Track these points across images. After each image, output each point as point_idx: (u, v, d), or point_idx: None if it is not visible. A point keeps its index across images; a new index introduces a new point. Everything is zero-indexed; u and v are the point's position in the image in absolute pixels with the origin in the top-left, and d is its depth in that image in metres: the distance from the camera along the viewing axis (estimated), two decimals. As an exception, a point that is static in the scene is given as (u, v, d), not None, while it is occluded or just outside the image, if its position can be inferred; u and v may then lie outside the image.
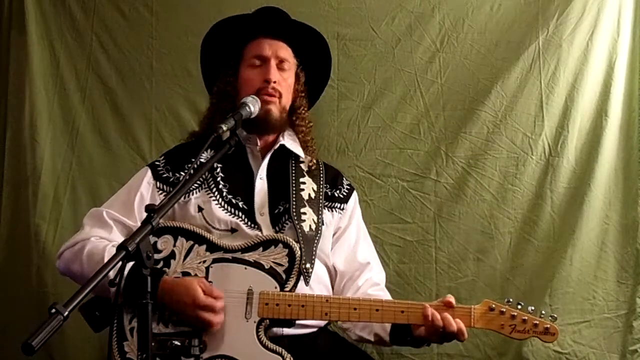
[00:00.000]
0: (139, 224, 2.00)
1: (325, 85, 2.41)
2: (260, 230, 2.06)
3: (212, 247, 1.99)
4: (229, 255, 1.97)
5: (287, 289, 1.94)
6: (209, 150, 2.03)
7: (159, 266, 1.95)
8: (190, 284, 1.88)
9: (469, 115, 2.76)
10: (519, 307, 1.95)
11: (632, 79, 2.69)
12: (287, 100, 2.20)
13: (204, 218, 2.05)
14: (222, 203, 2.08)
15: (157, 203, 2.00)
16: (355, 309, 1.94)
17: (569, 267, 2.62)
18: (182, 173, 2.10)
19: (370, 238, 2.34)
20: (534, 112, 2.74)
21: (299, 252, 1.96)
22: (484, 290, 2.65)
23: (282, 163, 2.21)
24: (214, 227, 2.04)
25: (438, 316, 1.89)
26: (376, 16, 2.84)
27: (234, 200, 2.10)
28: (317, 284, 2.08)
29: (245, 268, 1.95)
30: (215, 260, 1.97)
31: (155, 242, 1.98)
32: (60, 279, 2.60)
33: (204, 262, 1.97)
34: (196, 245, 1.99)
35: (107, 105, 2.88)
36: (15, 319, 2.73)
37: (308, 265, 2.00)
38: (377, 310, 1.94)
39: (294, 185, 2.15)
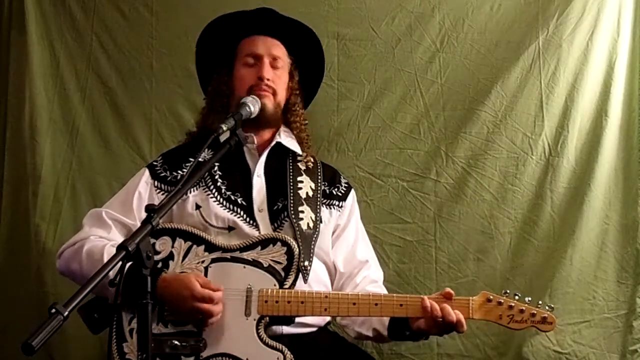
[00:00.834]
0: (137, 222, 2.03)
1: (320, 83, 2.41)
2: (258, 227, 2.07)
3: (211, 247, 2.00)
4: (227, 255, 1.98)
5: (286, 287, 1.95)
6: (207, 150, 2.03)
7: (157, 267, 1.95)
8: (187, 278, 1.89)
9: (469, 115, 2.77)
10: (517, 297, 1.96)
11: (632, 79, 2.69)
12: (281, 97, 2.21)
13: (202, 215, 2.06)
14: (221, 200, 2.09)
15: (155, 202, 2.02)
16: (354, 303, 1.95)
17: (569, 267, 2.62)
18: (179, 172, 2.12)
19: (367, 236, 2.35)
20: (534, 112, 2.74)
21: (297, 250, 1.97)
22: (484, 290, 2.64)
23: (280, 161, 2.22)
24: (211, 225, 2.05)
25: (437, 307, 1.90)
26: (376, 16, 2.84)
27: (232, 197, 2.10)
28: (316, 282, 2.08)
29: (244, 267, 1.96)
30: (213, 260, 1.97)
31: (154, 244, 1.98)
32: (60, 279, 2.60)
33: (203, 262, 1.97)
34: (194, 246, 2.00)
35: (107, 105, 2.88)
36: (15, 319, 2.73)
37: (306, 263, 2.01)
38: (375, 304, 1.94)
39: (291, 183, 2.16)
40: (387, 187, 2.78)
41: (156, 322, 1.90)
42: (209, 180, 2.12)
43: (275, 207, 2.13)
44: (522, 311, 1.95)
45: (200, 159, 1.91)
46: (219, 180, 2.13)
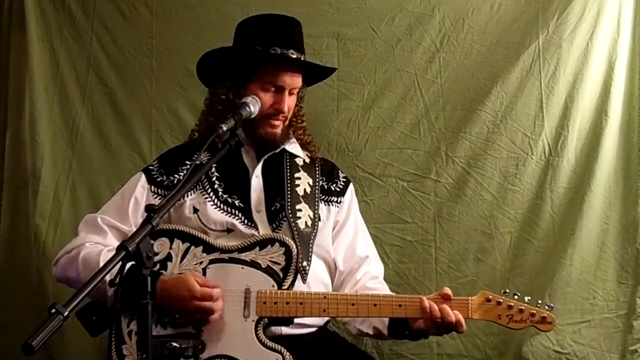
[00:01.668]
0: (133, 228, 2.01)
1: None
2: (257, 228, 2.07)
3: (209, 248, 2.00)
4: (225, 256, 1.98)
5: (285, 288, 1.95)
6: (204, 153, 2.00)
7: (155, 269, 1.95)
8: (185, 278, 1.90)
9: (469, 115, 2.76)
10: (516, 297, 1.96)
11: (632, 79, 2.69)
12: (289, 118, 2.23)
13: (200, 219, 2.06)
14: (218, 203, 2.09)
15: (155, 204, 2.02)
16: (353, 304, 1.95)
17: (569, 267, 2.62)
18: (176, 176, 2.11)
19: (367, 231, 2.34)
20: (534, 112, 2.74)
21: (296, 251, 1.97)
22: (484, 290, 2.64)
23: (277, 160, 2.21)
24: (209, 229, 2.05)
25: (436, 307, 1.90)
26: (376, 16, 2.84)
27: (229, 199, 2.10)
28: (315, 282, 2.09)
29: (242, 268, 1.96)
30: (212, 261, 1.97)
31: (152, 245, 1.97)
32: (60, 279, 2.61)
33: (201, 263, 1.97)
34: (192, 247, 2.00)
35: (107, 105, 2.88)
36: (15, 319, 2.73)
37: (305, 263, 2.01)
38: (374, 305, 1.94)
39: (288, 181, 2.16)
40: (387, 187, 2.78)
41: (155, 324, 1.90)
42: (206, 183, 2.12)
43: (273, 207, 2.13)
44: (521, 311, 1.95)
45: (197, 162, 1.89)
46: (216, 182, 2.13)
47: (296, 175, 2.20)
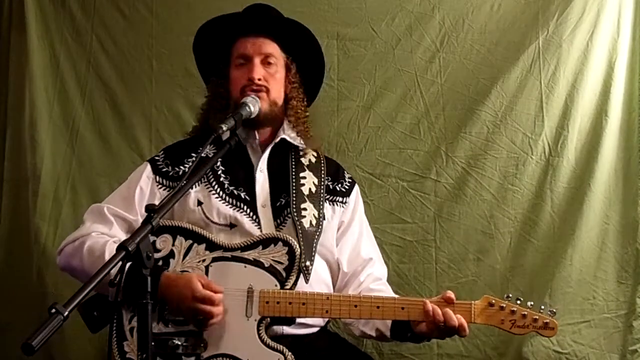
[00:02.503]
0: (139, 217, 2.03)
1: (322, 75, 2.38)
2: (260, 223, 2.07)
3: (212, 245, 1.99)
4: (228, 254, 1.98)
5: (288, 287, 1.94)
6: (209, 146, 2.01)
7: (158, 265, 1.95)
8: (189, 278, 1.89)
9: (469, 115, 2.76)
10: (519, 302, 1.96)
11: (632, 79, 2.69)
12: (277, 94, 2.19)
13: (203, 212, 2.06)
14: (224, 196, 2.09)
15: (156, 197, 2.04)
16: (355, 306, 1.94)
17: (569, 267, 2.62)
18: (181, 168, 2.12)
19: (371, 232, 2.34)
20: (534, 112, 2.74)
21: (299, 250, 1.97)
22: (484, 290, 2.63)
23: (283, 157, 2.21)
24: (212, 221, 2.05)
25: (439, 311, 1.90)
26: (376, 16, 2.84)
27: (235, 192, 2.10)
28: (318, 282, 2.08)
29: (245, 266, 1.96)
30: (214, 259, 1.97)
31: (154, 242, 1.97)
32: (60, 280, 2.61)
33: (204, 261, 1.97)
34: (195, 244, 1.99)
35: (107, 105, 2.88)
36: (15, 319, 2.73)
37: (308, 263, 2.00)
38: (377, 307, 1.94)
39: (294, 180, 2.16)
40: (387, 187, 2.78)
41: (157, 322, 1.90)
42: (211, 176, 2.11)
43: (278, 203, 2.12)
44: (524, 316, 1.94)
45: (202, 155, 1.91)
46: (222, 175, 2.13)
47: (301, 174, 2.19)
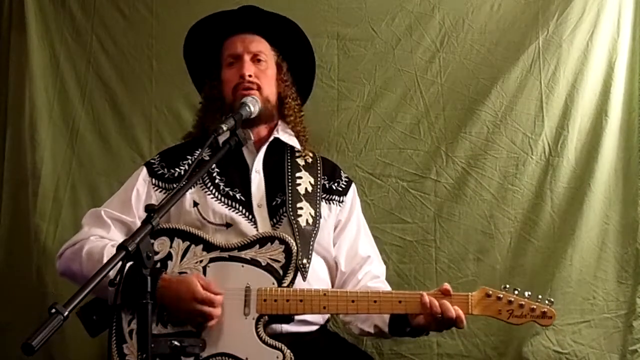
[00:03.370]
0: (137, 220, 2.03)
1: (314, 72, 2.39)
2: (256, 223, 2.07)
3: (209, 246, 1.99)
4: (225, 254, 1.98)
5: (285, 285, 1.94)
6: (207, 149, 2.02)
7: (157, 267, 1.95)
8: (189, 279, 1.90)
9: (469, 115, 2.77)
10: (516, 292, 1.96)
11: (632, 79, 2.69)
12: (270, 92, 2.20)
13: (199, 212, 2.06)
14: (219, 196, 2.09)
15: (153, 199, 2.05)
16: (353, 301, 1.95)
17: (569, 267, 2.62)
18: (177, 170, 2.13)
19: (369, 231, 2.35)
20: (534, 112, 2.74)
21: (296, 248, 1.97)
22: (484, 289, 2.65)
23: (278, 157, 2.22)
24: (208, 221, 2.05)
25: (436, 303, 1.90)
26: (376, 16, 2.84)
27: (231, 193, 2.11)
28: (315, 280, 2.08)
29: (242, 266, 1.96)
30: (212, 260, 1.97)
31: (152, 244, 1.97)
32: (60, 280, 2.59)
33: (201, 261, 1.97)
34: (193, 246, 2.00)
35: (107, 105, 2.89)
36: (15, 319, 2.73)
37: (305, 261, 2.01)
38: (374, 301, 1.94)
39: (289, 180, 2.16)
40: (387, 187, 2.78)
41: (156, 323, 1.90)
42: (207, 178, 2.12)
43: (274, 202, 2.13)
44: (521, 306, 1.94)
45: (200, 157, 1.91)
46: (217, 177, 2.13)
47: (297, 174, 2.20)
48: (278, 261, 1.96)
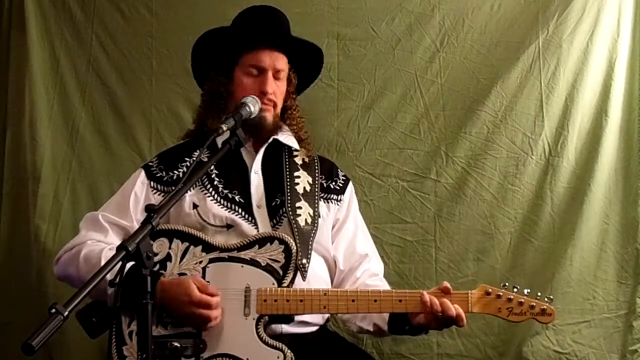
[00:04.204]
0: (134, 224, 2.03)
1: (315, 79, 2.41)
2: (257, 224, 2.07)
3: (208, 247, 1.99)
4: (225, 255, 1.98)
5: (285, 285, 1.94)
6: (205, 150, 2.02)
7: (155, 269, 1.94)
8: (185, 282, 1.89)
9: (469, 115, 2.77)
10: (515, 290, 1.96)
11: (632, 79, 2.69)
12: (280, 106, 2.22)
13: (199, 215, 2.06)
14: (218, 199, 2.09)
15: (151, 202, 2.03)
16: (353, 300, 1.94)
17: (569, 267, 2.62)
18: (175, 172, 2.12)
19: (367, 229, 2.35)
20: (534, 112, 2.74)
21: (295, 248, 1.97)
22: (484, 289, 2.65)
23: (276, 157, 2.22)
24: (208, 223, 2.05)
25: (436, 301, 1.90)
26: (376, 16, 2.84)
27: (230, 195, 2.11)
28: (315, 279, 2.08)
29: (242, 266, 1.96)
30: (211, 260, 1.97)
31: (152, 245, 1.97)
32: (60, 279, 2.61)
33: (200, 262, 1.97)
34: (192, 247, 1.99)
35: (107, 105, 2.88)
36: (15, 319, 2.73)
37: (304, 261, 2.01)
38: (375, 300, 1.94)
39: (288, 179, 2.16)
40: (387, 187, 2.78)
41: (155, 325, 1.89)
42: (206, 180, 2.12)
43: (274, 203, 2.13)
44: (521, 303, 1.95)
45: (198, 160, 1.91)
46: (216, 179, 2.13)
47: (295, 174, 2.20)
48: (278, 261, 1.96)
